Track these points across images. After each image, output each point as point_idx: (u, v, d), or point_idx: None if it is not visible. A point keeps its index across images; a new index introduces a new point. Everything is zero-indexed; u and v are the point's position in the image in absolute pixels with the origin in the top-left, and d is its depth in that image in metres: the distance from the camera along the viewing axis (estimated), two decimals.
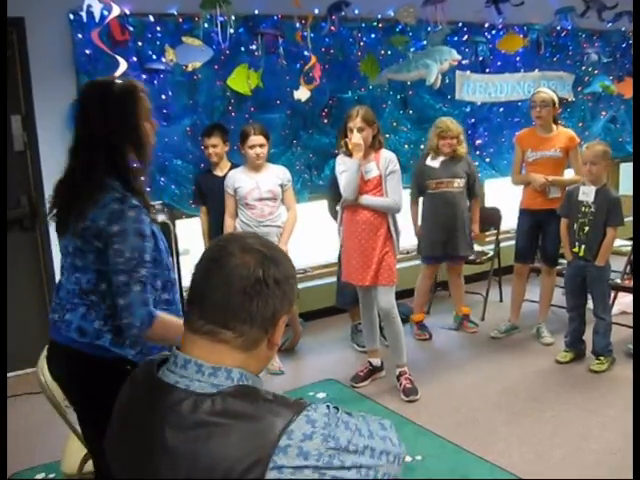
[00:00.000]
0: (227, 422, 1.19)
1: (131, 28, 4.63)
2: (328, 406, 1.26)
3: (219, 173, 4.76)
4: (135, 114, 2.13)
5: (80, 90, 2.23)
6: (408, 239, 4.77)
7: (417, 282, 5.45)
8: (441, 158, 5.13)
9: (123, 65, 4.35)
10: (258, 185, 4.55)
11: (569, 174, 5.10)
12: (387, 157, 4.15)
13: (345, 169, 4.15)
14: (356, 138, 4.04)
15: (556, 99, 4.94)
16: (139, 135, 2.14)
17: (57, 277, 4.50)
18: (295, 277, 1.39)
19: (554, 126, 4.97)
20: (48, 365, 2.29)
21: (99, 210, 2.02)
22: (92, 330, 2.10)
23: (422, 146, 5.79)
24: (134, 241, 2.02)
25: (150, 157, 2.25)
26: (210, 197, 4.69)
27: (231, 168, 4.72)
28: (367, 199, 4.17)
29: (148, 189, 4.74)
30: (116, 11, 4.23)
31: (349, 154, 4.13)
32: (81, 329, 2.11)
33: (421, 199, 5.28)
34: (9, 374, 4.51)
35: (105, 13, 4.34)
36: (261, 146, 4.51)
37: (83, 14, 4.36)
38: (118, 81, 2.22)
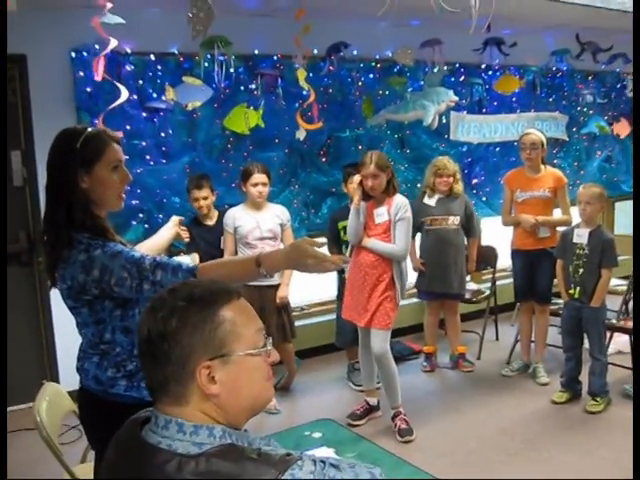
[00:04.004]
0: None
1: (132, 66, 4.68)
2: (314, 462, 1.24)
3: (209, 222, 4.71)
4: (83, 162, 2.08)
5: None
6: None
7: (424, 318, 5.59)
8: (437, 196, 5.20)
9: (124, 94, 4.32)
10: (259, 224, 4.57)
11: (557, 214, 5.12)
12: (399, 203, 4.17)
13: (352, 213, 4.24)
14: (354, 184, 4.18)
15: (544, 140, 5.00)
16: (78, 188, 2.06)
17: (54, 312, 4.56)
18: (220, 316, 1.28)
19: (542, 166, 5.02)
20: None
21: (70, 267, 2.03)
22: (106, 379, 2.14)
23: (419, 185, 5.83)
24: (117, 262, 2.00)
25: (112, 204, 2.18)
26: (203, 247, 4.61)
27: (219, 215, 4.70)
28: (372, 243, 4.20)
29: (146, 225, 4.77)
30: (113, 44, 4.22)
31: (363, 198, 4.21)
32: (97, 378, 2.15)
33: (418, 235, 5.32)
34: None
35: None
36: (264, 185, 4.55)
37: (85, 53, 4.38)
38: (74, 127, 2.18)
